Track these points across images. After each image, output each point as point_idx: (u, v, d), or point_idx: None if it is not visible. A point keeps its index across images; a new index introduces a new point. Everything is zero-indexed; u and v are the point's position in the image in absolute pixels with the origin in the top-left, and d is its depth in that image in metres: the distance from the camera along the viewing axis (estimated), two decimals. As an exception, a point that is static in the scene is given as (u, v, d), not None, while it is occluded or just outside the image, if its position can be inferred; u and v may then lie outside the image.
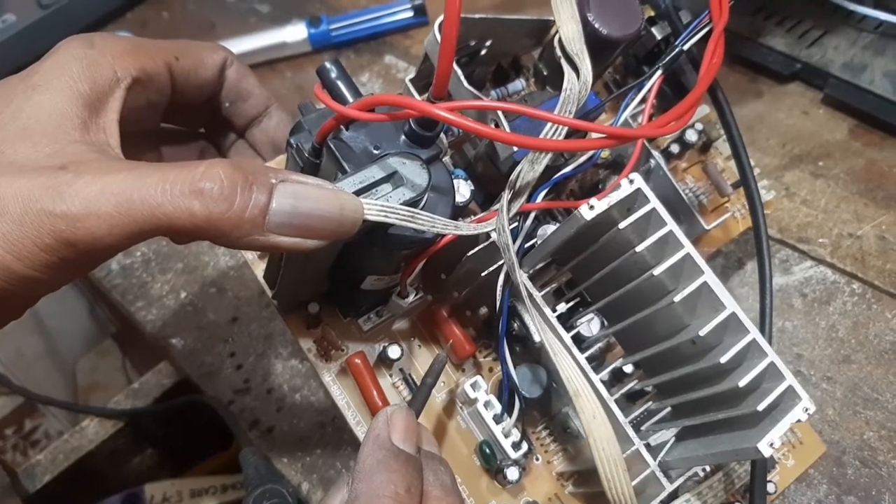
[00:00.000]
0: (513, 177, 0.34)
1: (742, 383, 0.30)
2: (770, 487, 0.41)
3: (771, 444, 0.30)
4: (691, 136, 0.46)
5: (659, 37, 0.45)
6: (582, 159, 0.38)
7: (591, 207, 0.32)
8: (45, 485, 0.62)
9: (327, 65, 0.34)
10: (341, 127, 0.32)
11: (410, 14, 0.72)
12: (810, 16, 0.63)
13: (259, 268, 0.40)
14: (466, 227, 0.33)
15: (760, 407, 0.30)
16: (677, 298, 0.32)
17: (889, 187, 0.56)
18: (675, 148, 0.46)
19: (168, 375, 0.65)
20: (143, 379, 0.65)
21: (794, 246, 0.54)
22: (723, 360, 0.31)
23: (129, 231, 0.26)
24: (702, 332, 0.31)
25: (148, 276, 0.60)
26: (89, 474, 0.65)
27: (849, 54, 0.60)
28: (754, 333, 0.32)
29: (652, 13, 0.45)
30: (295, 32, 0.71)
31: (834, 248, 0.54)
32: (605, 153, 0.44)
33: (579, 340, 0.39)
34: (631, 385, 0.38)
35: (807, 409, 0.31)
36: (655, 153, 0.44)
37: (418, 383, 0.40)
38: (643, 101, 0.39)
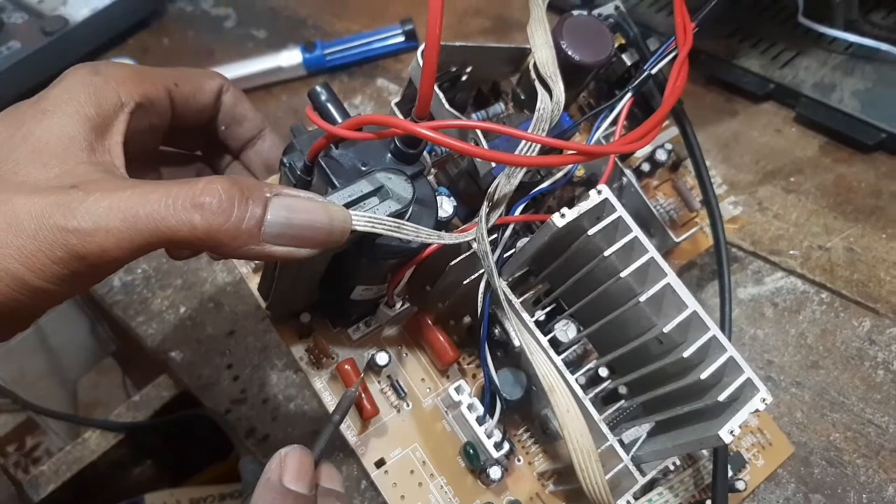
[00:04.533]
0: (491, 189, 0.36)
1: (704, 376, 0.33)
2: (740, 486, 0.43)
3: (731, 432, 0.32)
4: (661, 155, 0.48)
5: (628, 63, 0.48)
6: (558, 176, 0.41)
7: (563, 216, 0.34)
8: (48, 494, 0.63)
9: (318, 88, 0.37)
10: (331, 146, 0.34)
11: (402, 39, 0.75)
12: (783, 38, 0.66)
13: (254, 282, 0.42)
14: (448, 237, 0.35)
15: (721, 397, 0.33)
16: (643, 299, 0.34)
17: (857, 201, 0.59)
18: (646, 167, 0.49)
19: (167, 388, 0.67)
20: (144, 392, 0.67)
21: (766, 258, 0.57)
22: (686, 354, 0.33)
23: (135, 244, 0.28)
24: (666, 329, 0.34)
25: (148, 292, 0.62)
26: (91, 485, 0.67)
27: (819, 75, 0.63)
28: (714, 330, 0.34)
29: (622, 41, 0.48)
30: (290, 57, 0.74)
31: (804, 259, 0.56)
32: (580, 171, 0.46)
33: (556, 345, 0.41)
34: (605, 385, 0.40)
35: (764, 399, 0.33)
36: (627, 171, 0.47)
37: (405, 389, 0.42)
38: (614, 122, 0.41)
